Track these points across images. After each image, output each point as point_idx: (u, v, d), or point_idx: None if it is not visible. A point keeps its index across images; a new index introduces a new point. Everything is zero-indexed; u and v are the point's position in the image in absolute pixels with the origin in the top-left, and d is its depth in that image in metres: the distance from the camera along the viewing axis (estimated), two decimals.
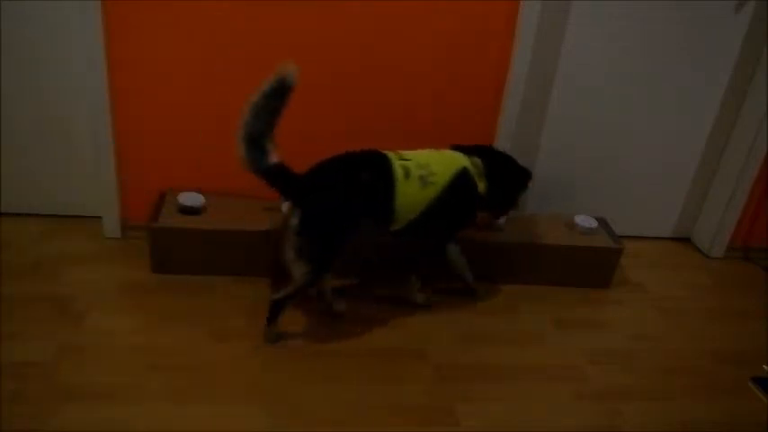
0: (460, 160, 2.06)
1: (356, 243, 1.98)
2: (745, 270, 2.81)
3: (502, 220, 2.39)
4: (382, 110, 2.38)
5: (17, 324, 1.94)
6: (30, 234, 2.38)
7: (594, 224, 2.49)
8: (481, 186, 2.09)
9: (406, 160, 1.97)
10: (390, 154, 1.98)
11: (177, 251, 2.23)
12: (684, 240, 2.95)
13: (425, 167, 1.98)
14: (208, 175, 2.41)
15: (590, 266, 2.45)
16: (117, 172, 2.34)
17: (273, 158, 1.82)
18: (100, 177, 2.34)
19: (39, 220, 2.46)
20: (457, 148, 2.13)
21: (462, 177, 2.04)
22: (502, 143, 2.45)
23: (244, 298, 2.18)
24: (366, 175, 1.93)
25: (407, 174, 1.94)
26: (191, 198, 2.30)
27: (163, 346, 1.93)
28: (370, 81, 2.32)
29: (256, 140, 1.78)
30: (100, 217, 2.42)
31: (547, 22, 2.34)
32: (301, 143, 2.40)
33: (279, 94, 1.76)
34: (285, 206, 2.32)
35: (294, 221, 1.87)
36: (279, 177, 1.85)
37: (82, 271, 2.22)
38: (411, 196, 1.95)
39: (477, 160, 2.09)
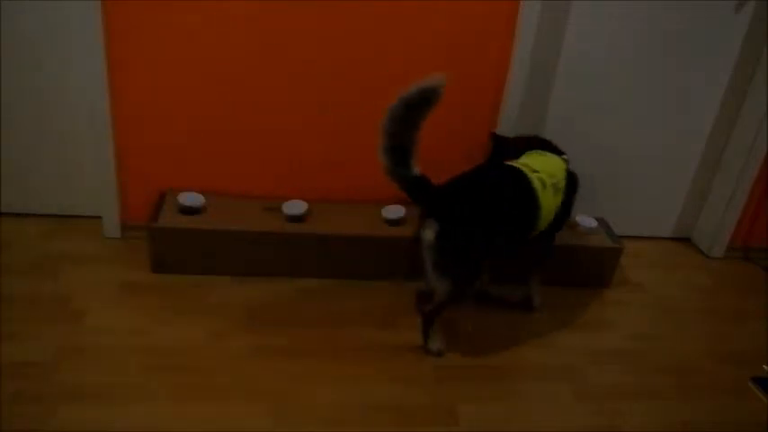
0: (561, 162, 2.13)
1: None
2: (745, 270, 2.81)
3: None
4: (381, 111, 2.38)
5: (17, 324, 1.94)
6: (30, 234, 2.38)
7: (594, 224, 2.49)
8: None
9: (536, 171, 2.01)
10: (521, 167, 2.00)
11: (177, 251, 2.23)
12: (684, 240, 2.95)
13: (553, 176, 2.03)
14: (208, 175, 2.41)
15: (590, 266, 2.45)
16: (117, 172, 2.34)
17: (416, 171, 1.82)
18: (100, 177, 2.34)
19: (39, 220, 2.46)
20: (534, 141, 2.21)
21: (570, 177, 2.12)
22: None
23: (244, 298, 2.19)
24: (509, 191, 1.94)
25: (544, 184, 1.98)
26: (191, 198, 2.30)
27: (163, 346, 1.93)
28: (369, 81, 2.31)
29: (400, 153, 1.78)
30: (100, 217, 2.42)
31: (547, 22, 2.34)
32: (301, 142, 2.41)
33: (424, 105, 1.74)
34: (286, 206, 2.33)
35: (430, 235, 1.85)
36: (420, 190, 1.85)
37: (82, 271, 2.23)
38: (549, 204, 2.00)
39: (565, 156, 2.18)
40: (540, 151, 2.17)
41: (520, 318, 2.28)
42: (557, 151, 2.19)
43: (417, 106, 1.73)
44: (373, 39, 2.25)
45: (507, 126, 2.43)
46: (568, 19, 2.38)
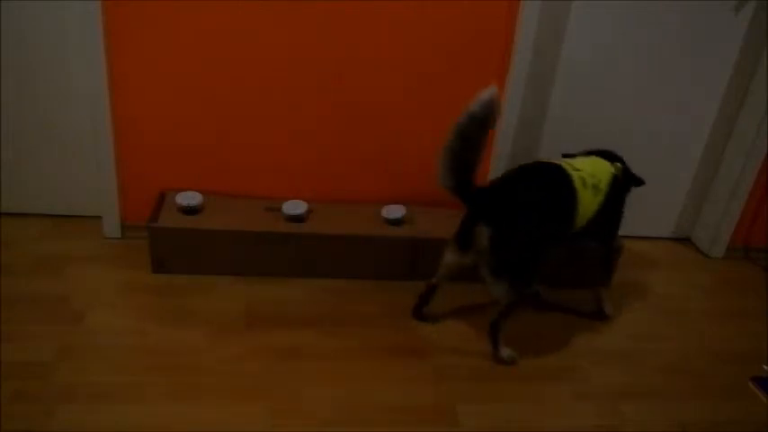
0: (609, 167, 2.12)
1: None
2: (745, 270, 2.81)
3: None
4: (381, 110, 2.38)
5: (17, 324, 1.94)
6: (30, 234, 2.38)
7: None
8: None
9: (578, 170, 2.01)
10: (564, 165, 2.01)
11: (177, 251, 2.23)
12: (684, 240, 2.95)
13: (594, 176, 2.03)
14: (208, 175, 2.41)
15: (590, 266, 2.45)
16: (117, 172, 2.34)
17: (474, 185, 1.83)
18: (100, 177, 2.34)
19: (39, 220, 2.46)
20: (595, 153, 2.19)
21: (615, 183, 2.10)
22: (502, 144, 2.45)
23: (244, 298, 2.18)
24: (553, 188, 1.96)
25: (584, 183, 1.99)
26: (190, 198, 2.30)
27: (163, 346, 1.93)
28: (369, 82, 2.31)
29: (464, 171, 1.79)
30: (100, 217, 2.42)
31: (547, 22, 2.34)
32: (302, 143, 2.41)
33: (485, 120, 1.75)
34: (286, 206, 2.33)
35: (484, 240, 1.86)
36: (469, 194, 1.85)
37: (82, 271, 2.23)
38: (587, 204, 2.00)
39: (619, 165, 2.15)
40: (592, 156, 2.16)
41: (520, 318, 2.27)
42: (614, 158, 2.17)
43: (482, 122, 1.74)
44: (373, 40, 2.25)
45: (508, 127, 2.44)
46: (568, 19, 2.38)
